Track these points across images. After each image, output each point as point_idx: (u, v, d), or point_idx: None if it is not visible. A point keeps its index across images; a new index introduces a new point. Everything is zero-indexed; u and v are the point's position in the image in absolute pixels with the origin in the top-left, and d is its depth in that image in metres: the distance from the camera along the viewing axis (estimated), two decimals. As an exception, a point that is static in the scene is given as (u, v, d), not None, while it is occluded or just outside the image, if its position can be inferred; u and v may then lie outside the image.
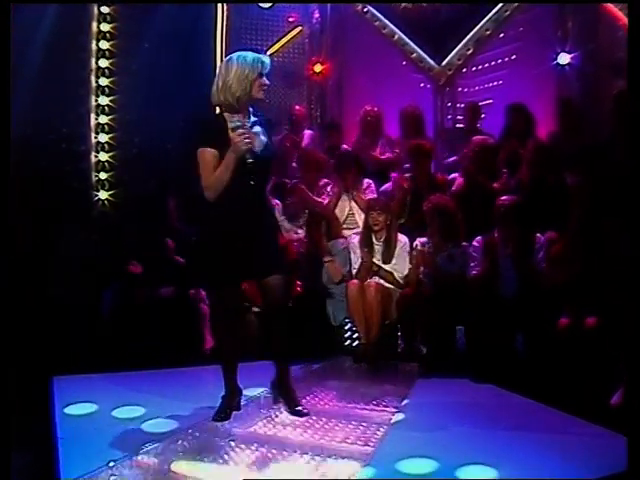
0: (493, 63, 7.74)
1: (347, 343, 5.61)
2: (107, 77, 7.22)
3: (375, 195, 6.06)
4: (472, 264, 5.13)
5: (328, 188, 6.21)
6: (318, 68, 8.05)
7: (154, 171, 6.79)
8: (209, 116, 3.72)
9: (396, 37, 7.54)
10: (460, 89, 7.84)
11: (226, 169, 3.46)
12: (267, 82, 3.53)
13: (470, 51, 7.50)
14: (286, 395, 3.79)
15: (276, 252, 3.66)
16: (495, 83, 7.76)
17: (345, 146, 7.07)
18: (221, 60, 7.60)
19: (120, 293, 5.63)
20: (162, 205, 6.24)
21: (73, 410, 3.92)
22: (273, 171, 3.76)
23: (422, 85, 7.80)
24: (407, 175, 6.17)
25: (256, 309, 5.09)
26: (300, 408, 3.78)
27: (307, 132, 7.45)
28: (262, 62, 3.53)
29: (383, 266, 5.44)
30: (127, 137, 7.19)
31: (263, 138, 3.53)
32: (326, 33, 8.15)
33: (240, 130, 3.43)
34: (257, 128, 3.52)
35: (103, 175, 7.14)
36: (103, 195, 7.09)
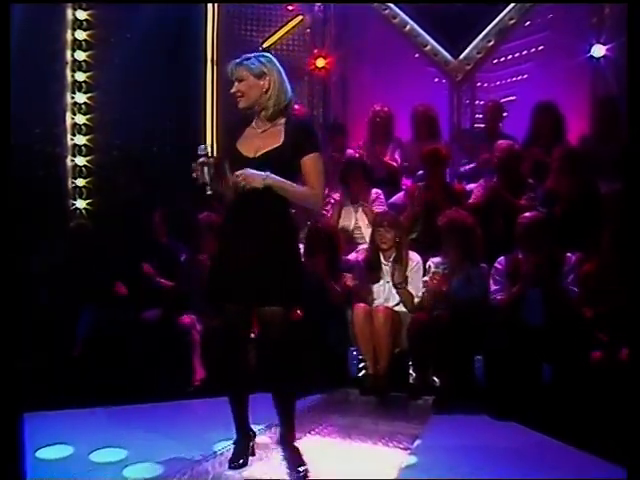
0: (517, 55, 7.76)
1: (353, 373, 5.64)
2: (84, 71, 7.24)
3: (384, 207, 6.09)
4: (495, 288, 5.14)
5: (331, 198, 6.26)
6: (320, 62, 8.08)
7: (137, 177, 6.81)
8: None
9: (408, 27, 7.55)
10: (479, 84, 7.85)
11: None
12: (233, 89, 3.56)
13: (491, 43, 7.48)
14: (285, 451, 3.74)
15: (281, 280, 3.53)
16: (519, 77, 7.79)
17: (350, 150, 7.10)
18: (212, 52, 7.66)
19: (99, 317, 5.67)
20: (147, 215, 6.25)
21: (46, 454, 3.94)
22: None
23: (437, 80, 7.82)
24: (420, 184, 6.20)
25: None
26: (303, 470, 3.64)
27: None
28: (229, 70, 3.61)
29: (400, 288, 5.47)
30: (107, 139, 7.21)
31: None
32: (330, 23, 8.18)
33: (199, 160, 3.48)
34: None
35: (80, 181, 7.17)
36: (80, 204, 7.12)
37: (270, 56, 3.60)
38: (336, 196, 6.31)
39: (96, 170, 7.19)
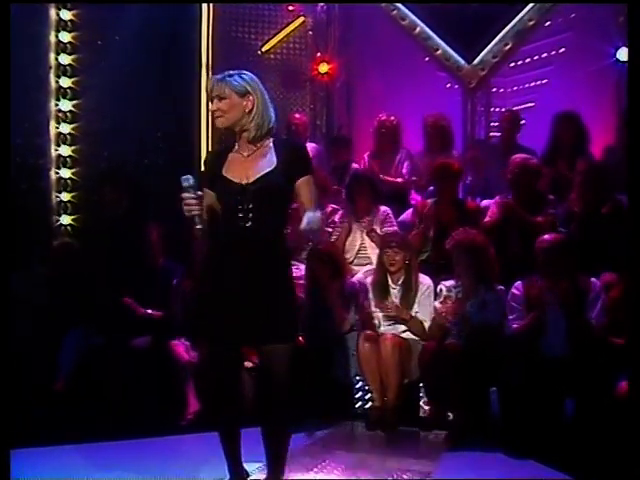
0: (536, 57, 7.82)
1: (359, 406, 5.65)
2: (69, 77, 7.23)
3: (395, 228, 6.11)
4: (512, 316, 5.14)
5: (336, 217, 6.28)
6: (323, 68, 8.14)
7: (127, 191, 6.79)
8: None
9: (417, 30, 7.57)
10: (494, 90, 7.90)
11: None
12: (213, 107, 3.59)
13: (509, 46, 7.48)
14: None
15: (283, 315, 3.57)
16: (538, 82, 7.84)
17: (355, 164, 7.12)
18: (207, 57, 7.67)
19: (84, 345, 5.68)
20: (138, 233, 6.24)
21: (32, 495, 3.97)
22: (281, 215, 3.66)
23: (449, 87, 7.86)
24: (431, 201, 6.23)
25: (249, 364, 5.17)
26: None
27: (309, 146, 7.33)
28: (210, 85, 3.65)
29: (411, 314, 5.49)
30: (94, 149, 7.20)
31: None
32: (333, 25, 8.26)
33: (185, 194, 3.45)
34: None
35: (65, 195, 7.17)
36: (65, 220, 7.12)
37: (252, 75, 3.62)
38: (340, 214, 6.37)
39: (82, 183, 7.14)
